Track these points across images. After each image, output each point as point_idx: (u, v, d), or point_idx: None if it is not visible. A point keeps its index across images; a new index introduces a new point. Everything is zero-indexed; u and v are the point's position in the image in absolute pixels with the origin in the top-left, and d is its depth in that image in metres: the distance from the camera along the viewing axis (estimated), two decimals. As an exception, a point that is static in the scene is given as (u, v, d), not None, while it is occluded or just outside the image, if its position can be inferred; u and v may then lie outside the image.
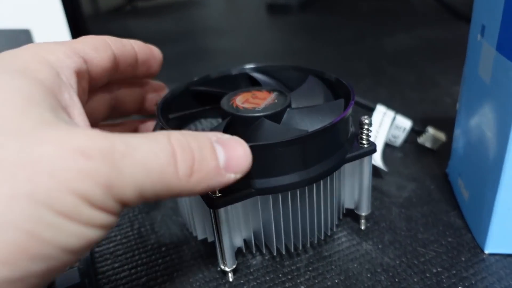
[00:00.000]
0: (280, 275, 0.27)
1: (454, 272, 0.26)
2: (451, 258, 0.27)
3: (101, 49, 0.23)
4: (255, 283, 0.26)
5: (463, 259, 0.27)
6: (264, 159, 0.23)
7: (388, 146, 0.40)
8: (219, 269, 0.27)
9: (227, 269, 0.26)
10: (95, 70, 0.23)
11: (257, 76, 0.32)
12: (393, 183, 0.35)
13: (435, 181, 0.35)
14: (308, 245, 0.29)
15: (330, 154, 0.25)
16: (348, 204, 0.30)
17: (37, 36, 0.41)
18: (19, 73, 0.17)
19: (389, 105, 0.46)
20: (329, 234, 0.29)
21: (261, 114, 0.26)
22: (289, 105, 0.28)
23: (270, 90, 0.29)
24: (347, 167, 0.27)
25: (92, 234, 0.16)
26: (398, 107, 0.42)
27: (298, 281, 0.26)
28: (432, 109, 0.46)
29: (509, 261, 0.27)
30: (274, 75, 0.33)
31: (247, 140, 0.26)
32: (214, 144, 0.19)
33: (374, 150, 0.27)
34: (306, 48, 0.73)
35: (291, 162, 0.23)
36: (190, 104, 0.31)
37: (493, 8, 0.24)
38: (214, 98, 0.30)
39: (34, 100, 0.16)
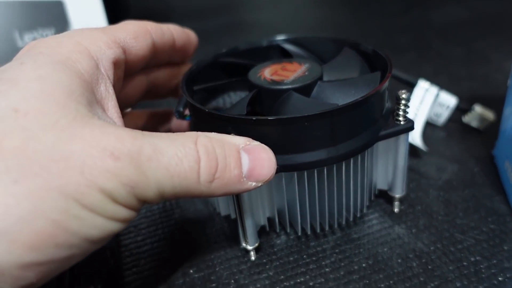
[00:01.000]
0: (305, 256, 0.26)
1: (494, 262, 0.24)
2: (492, 246, 0.25)
3: (141, 37, 0.23)
4: (277, 263, 0.25)
5: (505, 248, 0.25)
6: (290, 133, 0.21)
7: (429, 125, 0.37)
8: (241, 247, 0.26)
9: (248, 247, 0.25)
10: (133, 59, 0.23)
11: (289, 47, 0.31)
12: (432, 164, 0.33)
13: (480, 163, 0.32)
14: (336, 226, 0.27)
15: (362, 131, 0.23)
16: (381, 184, 0.28)
17: (70, 9, 0.41)
18: (61, 65, 0.18)
19: (433, 81, 0.43)
20: (358, 215, 0.27)
21: (289, 86, 0.25)
22: (320, 78, 0.26)
23: (301, 62, 0.28)
24: (381, 145, 0.25)
25: (114, 227, 0.17)
26: (443, 84, 0.39)
27: (323, 263, 0.25)
28: (480, 86, 0.43)
29: (558, 252, 0.24)
30: (307, 47, 0.31)
31: (274, 113, 0.24)
32: (241, 152, 0.19)
33: (412, 128, 0.24)
34: (348, 21, 0.69)
35: (318, 137, 0.22)
36: (217, 76, 0.30)
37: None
38: (242, 70, 0.29)
39: (73, 94, 0.17)
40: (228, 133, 0.21)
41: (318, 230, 0.26)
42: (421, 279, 0.23)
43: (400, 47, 0.55)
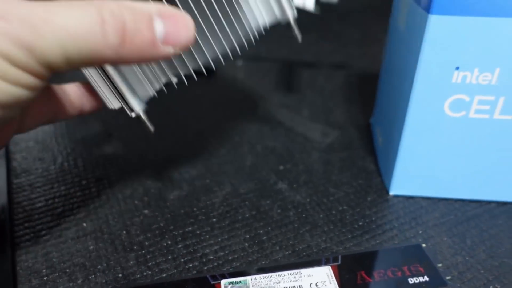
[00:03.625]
0: (195, 209, 0.28)
1: (358, 210, 0.28)
2: (358, 198, 0.29)
3: None
4: (169, 216, 0.27)
5: (369, 199, 0.29)
6: None
7: (318, 94, 0.41)
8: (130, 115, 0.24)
9: (136, 111, 0.23)
10: None
11: None
12: (318, 129, 0.36)
13: (359, 130, 0.36)
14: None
15: None
16: (269, 19, 0.25)
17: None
18: None
19: (330, 58, 0.47)
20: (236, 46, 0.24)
21: None
22: None
23: None
24: None
25: (20, 93, 0.17)
26: (337, 60, 0.43)
27: (211, 214, 0.27)
28: (369, 65, 0.48)
29: (410, 202, 0.28)
30: None
31: None
32: (154, 17, 0.18)
33: None
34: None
35: None
36: None
37: (409, -44, 0.25)
38: None
39: None
40: None
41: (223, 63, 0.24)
42: (295, 225, 0.26)
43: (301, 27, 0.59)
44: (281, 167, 0.31)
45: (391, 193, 0.29)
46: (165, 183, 0.30)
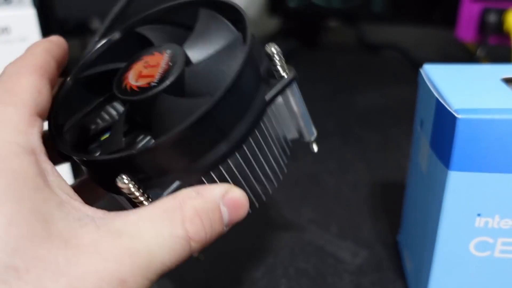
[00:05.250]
0: None
1: None
2: (391, 328, 0.30)
3: (44, 89, 0.21)
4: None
5: (402, 330, 0.30)
6: (180, 146, 0.20)
7: (346, 207, 0.43)
8: None
9: None
10: (45, 110, 0.21)
11: (146, 32, 0.26)
12: (348, 249, 0.38)
13: (387, 248, 0.38)
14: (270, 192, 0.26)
15: (248, 107, 0.21)
16: (292, 135, 0.27)
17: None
18: (16, 188, 0.17)
19: (354, 165, 0.49)
20: (281, 177, 0.25)
21: (157, 90, 0.21)
22: (187, 62, 0.23)
23: (162, 50, 0.23)
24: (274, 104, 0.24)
25: None
26: (360, 169, 0.45)
27: None
28: (391, 172, 0.50)
29: (443, 332, 0.29)
30: (166, 20, 0.27)
31: (154, 124, 0.22)
32: (221, 207, 0.20)
33: (296, 78, 0.24)
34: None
35: (208, 137, 0.20)
36: (85, 99, 0.25)
37: (427, 109, 0.28)
38: (109, 78, 0.24)
39: (47, 218, 0.17)
40: (117, 171, 0.19)
41: (257, 206, 0.25)
42: None
43: (326, 131, 0.62)
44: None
45: (424, 322, 0.30)
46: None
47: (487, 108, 0.23)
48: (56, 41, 0.24)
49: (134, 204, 0.20)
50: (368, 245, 0.38)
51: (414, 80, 0.32)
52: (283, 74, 0.23)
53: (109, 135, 0.23)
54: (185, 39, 0.24)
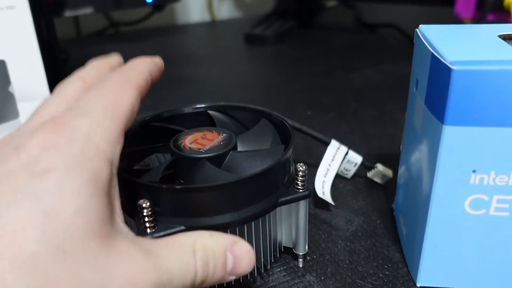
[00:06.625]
0: (227, 304, 0.29)
1: (386, 304, 0.28)
2: (385, 290, 0.29)
3: (135, 108, 0.23)
4: None
5: (396, 291, 0.29)
6: (196, 200, 0.25)
7: (341, 178, 0.42)
8: None
9: None
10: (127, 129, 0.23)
11: (214, 114, 0.34)
12: (342, 216, 0.37)
13: (382, 215, 0.37)
14: (249, 276, 0.30)
15: (263, 197, 0.27)
16: (286, 243, 0.32)
17: (11, 67, 0.43)
18: (92, 187, 0.18)
19: (349, 138, 0.49)
20: (262, 271, 0.30)
21: (203, 156, 0.28)
22: (234, 148, 0.29)
23: (220, 132, 0.31)
24: (284, 209, 0.29)
25: None
26: (356, 141, 0.44)
27: (243, 310, 0.28)
28: (387, 145, 0.49)
29: (437, 294, 0.29)
30: (231, 114, 0.35)
31: (189, 178, 0.28)
32: (227, 253, 0.22)
33: (309, 195, 0.28)
34: (280, 79, 0.76)
35: (221, 204, 0.25)
36: (142, 140, 0.33)
37: (423, 66, 0.27)
38: (170, 134, 0.31)
39: (104, 219, 0.19)
40: (143, 197, 0.24)
41: (233, 283, 0.29)
42: (325, 321, 0.27)
43: (323, 106, 0.61)
44: (308, 258, 0.32)
45: (419, 284, 0.30)
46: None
47: (483, 60, 0.23)
48: (159, 64, 0.27)
49: (141, 228, 0.24)
50: (362, 213, 0.38)
51: (411, 57, 0.31)
52: (300, 188, 0.28)
53: (153, 169, 0.29)
54: (237, 133, 0.31)
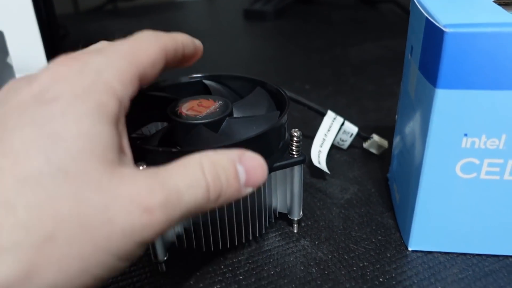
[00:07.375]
0: (222, 267, 0.29)
1: (378, 266, 0.29)
2: (378, 254, 0.30)
3: (158, 64, 0.23)
4: (198, 273, 0.29)
5: (388, 255, 0.30)
6: None
7: (336, 148, 0.43)
8: (153, 261, 0.29)
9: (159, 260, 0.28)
10: (143, 84, 0.23)
11: (210, 83, 0.34)
12: (337, 185, 0.38)
13: (376, 184, 0.38)
14: (244, 241, 0.31)
15: None
16: (281, 208, 0.32)
17: (9, 38, 0.43)
18: (96, 115, 0.18)
19: (346, 111, 0.49)
20: (257, 235, 0.31)
21: (200, 121, 0.28)
22: (230, 114, 0.29)
23: (216, 99, 0.31)
24: (279, 174, 0.30)
25: (126, 265, 0.19)
26: (353, 114, 0.45)
27: (238, 272, 0.29)
28: (384, 117, 0.50)
29: (428, 257, 0.30)
30: (227, 84, 0.35)
31: (186, 144, 0.28)
32: (237, 166, 0.21)
33: (303, 161, 0.29)
34: (279, 54, 0.75)
35: None
36: (139, 109, 0.33)
37: (417, 32, 0.27)
38: (167, 103, 0.31)
39: (108, 146, 0.19)
40: (139, 160, 0.24)
41: (220, 248, 0.29)
42: (318, 282, 0.28)
43: (321, 81, 0.61)
44: (303, 224, 0.33)
45: (410, 248, 0.30)
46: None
47: (476, 23, 0.23)
48: (198, 44, 0.27)
49: None
50: (358, 182, 0.38)
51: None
52: (295, 153, 0.29)
53: (151, 135, 0.29)
54: (233, 101, 0.31)
